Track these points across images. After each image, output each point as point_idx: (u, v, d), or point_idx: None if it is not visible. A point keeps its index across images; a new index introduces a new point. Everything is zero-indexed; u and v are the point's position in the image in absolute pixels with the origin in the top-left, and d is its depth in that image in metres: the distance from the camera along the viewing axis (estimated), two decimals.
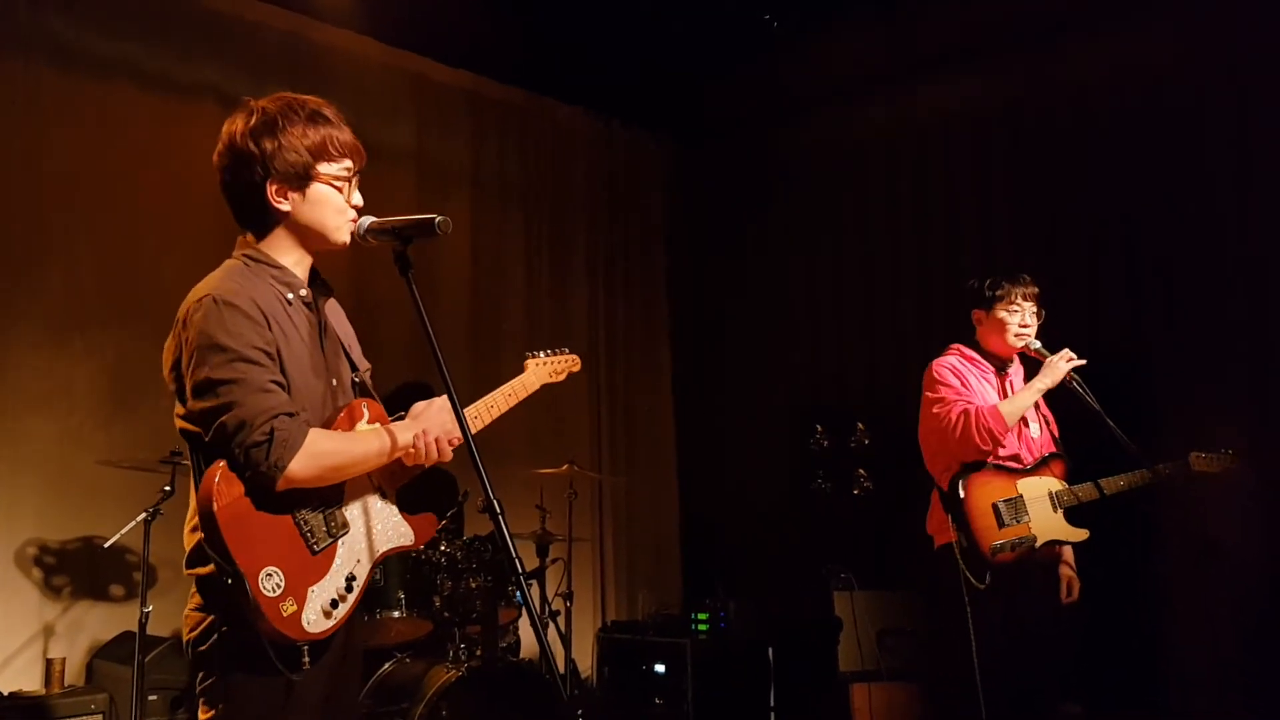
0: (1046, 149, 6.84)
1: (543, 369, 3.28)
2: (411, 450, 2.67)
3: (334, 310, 2.85)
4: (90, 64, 6.07)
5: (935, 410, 4.42)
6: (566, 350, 3.41)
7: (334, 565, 2.54)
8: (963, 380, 4.45)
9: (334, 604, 2.50)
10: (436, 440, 2.68)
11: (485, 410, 2.95)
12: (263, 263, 2.64)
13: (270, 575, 2.39)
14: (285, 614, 2.39)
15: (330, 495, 2.58)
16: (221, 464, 2.41)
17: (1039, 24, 6.87)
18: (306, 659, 2.44)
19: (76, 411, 5.83)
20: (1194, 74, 6.24)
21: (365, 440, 2.59)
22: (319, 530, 2.53)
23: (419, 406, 2.73)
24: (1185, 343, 6.08)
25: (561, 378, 3.37)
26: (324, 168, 2.64)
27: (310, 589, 2.46)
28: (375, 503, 2.70)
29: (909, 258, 7.58)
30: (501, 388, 3.06)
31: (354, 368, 2.83)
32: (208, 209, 5.99)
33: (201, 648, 2.50)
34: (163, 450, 4.94)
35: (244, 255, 2.66)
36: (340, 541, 2.57)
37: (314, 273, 2.77)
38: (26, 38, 5.84)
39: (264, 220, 2.67)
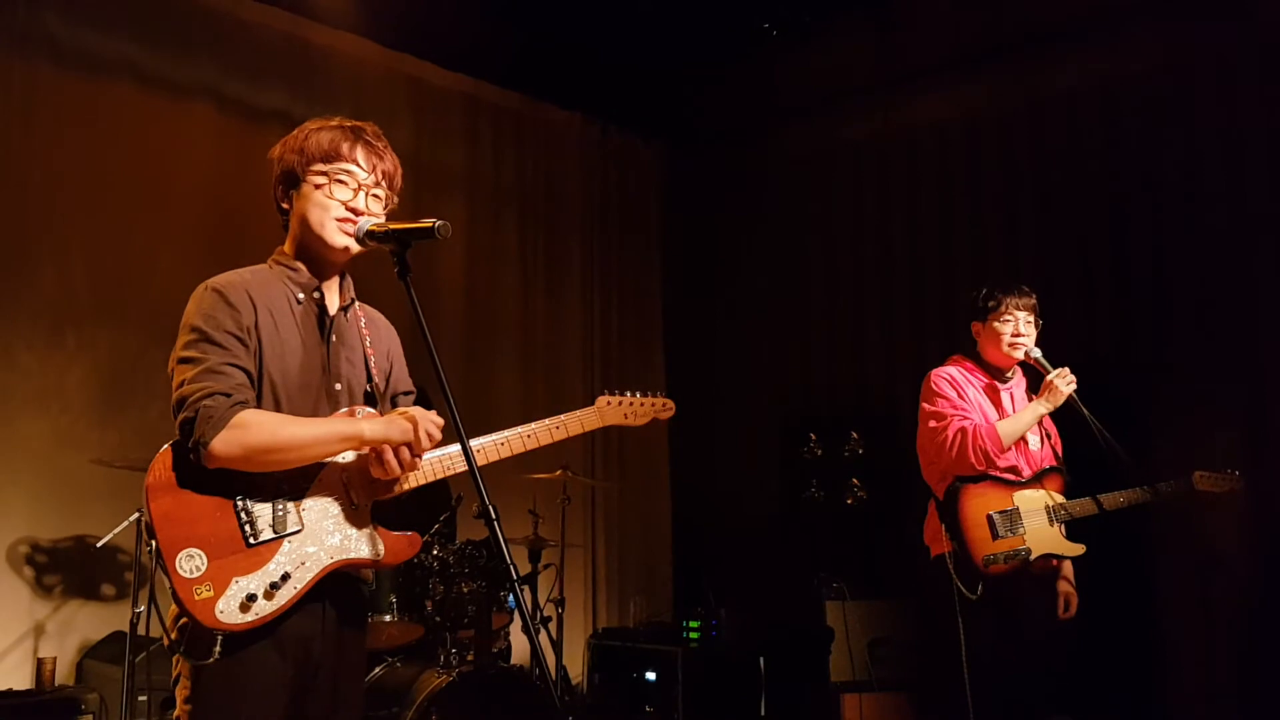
0: (1039, 157, 6.86)
1: (614, 410, 3.20)
2: (368, 448, 2.64)
3: (376, 324, 2.92)
4: (87, 63, 6.06)
5: (932, 425, 4.41)
6: (659, 394, 3.30)
7: (272, 562, 2.51)
8: (960, 392, 4.45)
9: (252, 599, 2.46)
10: (397, 451, 2.63)
11: (520, 440, 2.91)
12: (283, 265, 2.76)
13: (191, 556, 2.41)
14: (199, 597, 2.40)
15: (286, 492, 2.57)
16: (176, 440, 2.50)
17: (1030, 32, 6.89)
18: (218, 649, 2.43)
19: (69, 411, 5.81)
20: (1186, 82, 6.25)
21: (303, 424, 2.58)
22: (262, 523, 2.52)
23: (394, 413, 2.71)
24: (1180, 355, 6.08)
25: (643, 421, 3.26)
26: (314, 167, 2.72)
27: (236, 579, 2.46)
28: (340, 510, 2.65)
29: (902, 266, 7.59)
30: (550, 419, 2.99)
31: (370, 378, 2.82)
32: (201, 209, 6.04)
33: (172, 637, 2.53)
34: (155, 450, 4.91)
35: (273, 258, 2.79)
36: (287, 540, 2.55)
37: (345, 284, 2.84)
38: (23, 36, 5.83)
39: (284, 224, 2.82)
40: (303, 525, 2.58)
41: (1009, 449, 4.33)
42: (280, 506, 2.56)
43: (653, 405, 3.28)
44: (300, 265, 2.75)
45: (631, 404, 3.24)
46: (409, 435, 2.63)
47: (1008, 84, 7.04)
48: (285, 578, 2.51)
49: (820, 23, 7.66)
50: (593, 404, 3.17)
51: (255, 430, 2.48)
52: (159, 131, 6.25)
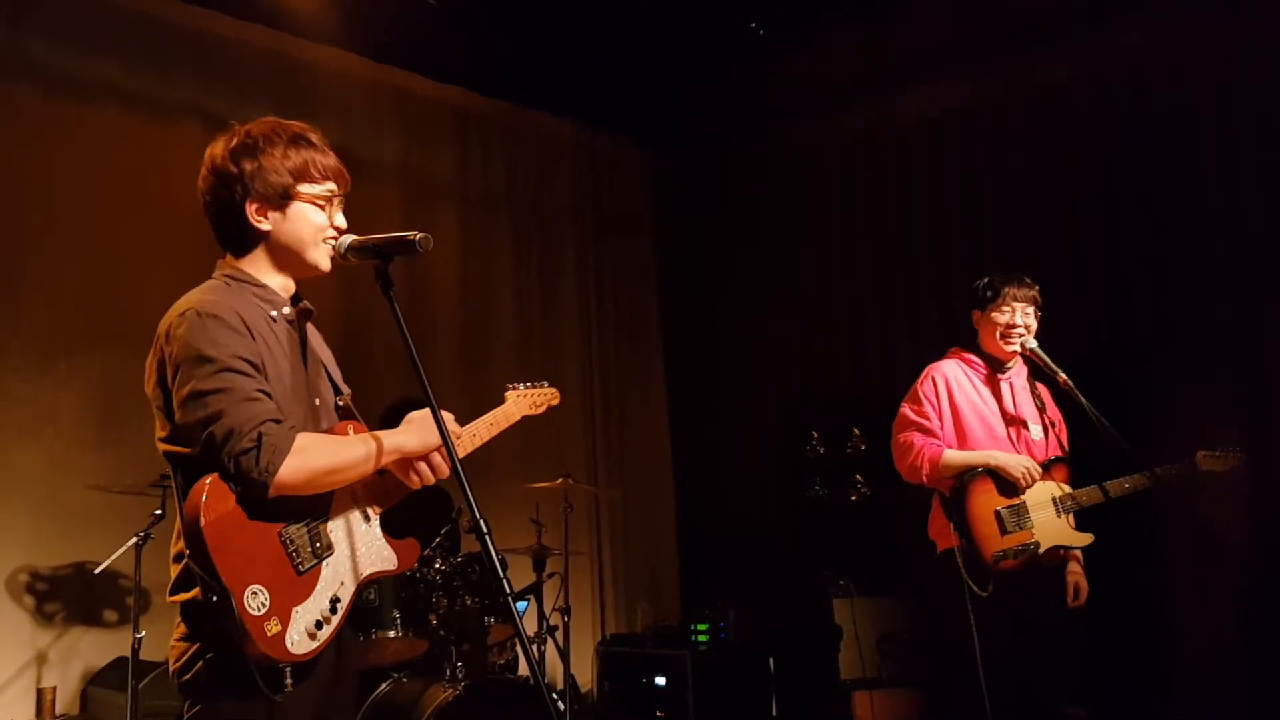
0: (1031, 151, 6.83)
1: (523, 401, 3.28)
2: (409, 459, 2.65)
3: (313, 334, 2.86)
4: (72, 85, 6.04)
5: (894, 427, 4.51)
6: (545, 384, 3.40)
7: (318, 587, 2.50)
8: (950, 394, 4.47)
9: (319, 625, 2.46)
10: (434, 454, 2.67)
11: (469, 438, 2.94)
12: (244, 281, 2.66)
13: (256, 594, 2.35)
14: (270, 634, 2.36)
15: (315, 516, 2.55)
16: (210, 477, 2.37)
17: (1020, 25, 6.86)
18: (289, 680, 2.40)
19: (64, 436, 5.79)
20: (1178, 74, 6.22)
21: (353, 444, 2.57)
22: (304, 551, 2.49)
23: (413, 415, 2.69)
24: (1177, 343, 6.04)
25: (541, 410, 3.35)
26: (305, 188, 2.65)
27: (295, 609, 2.43)
28: (360, 525, 2.67)
29: (898, 261, 7.56)
30: (484, 417, 3.04)
31: (337, 391, 2.82)
32: (190, 230, 5.96)
33: (186, 676, 2.46)
34: (152, 473, 4.90)
35: (225, 275, 2.67)
36: (325, 563, 2.54)
37: (296, 296, 2.77)
38: (7, 60, 5.82)
39: (244, 240, 2.69)
40: (333, 546, 2.57)
41: (944, 478, 4.31)
42: (313, 531, 2.54)
43: (544, 395, 3.38)
44: (267, 284, 2.68)
45: (531, 395, 3.33)
46: (439, 439, 2.61)
47: (1000, 79, 7.00)
48: (336, 600, 2.52)
49: (810, 22, 7.64)
50: (504, 399, 3.26)
51: (315, 455, 2.44)
52: (145, 152, 6.23)
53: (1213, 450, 4.48)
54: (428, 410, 2.63)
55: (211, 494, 2.36)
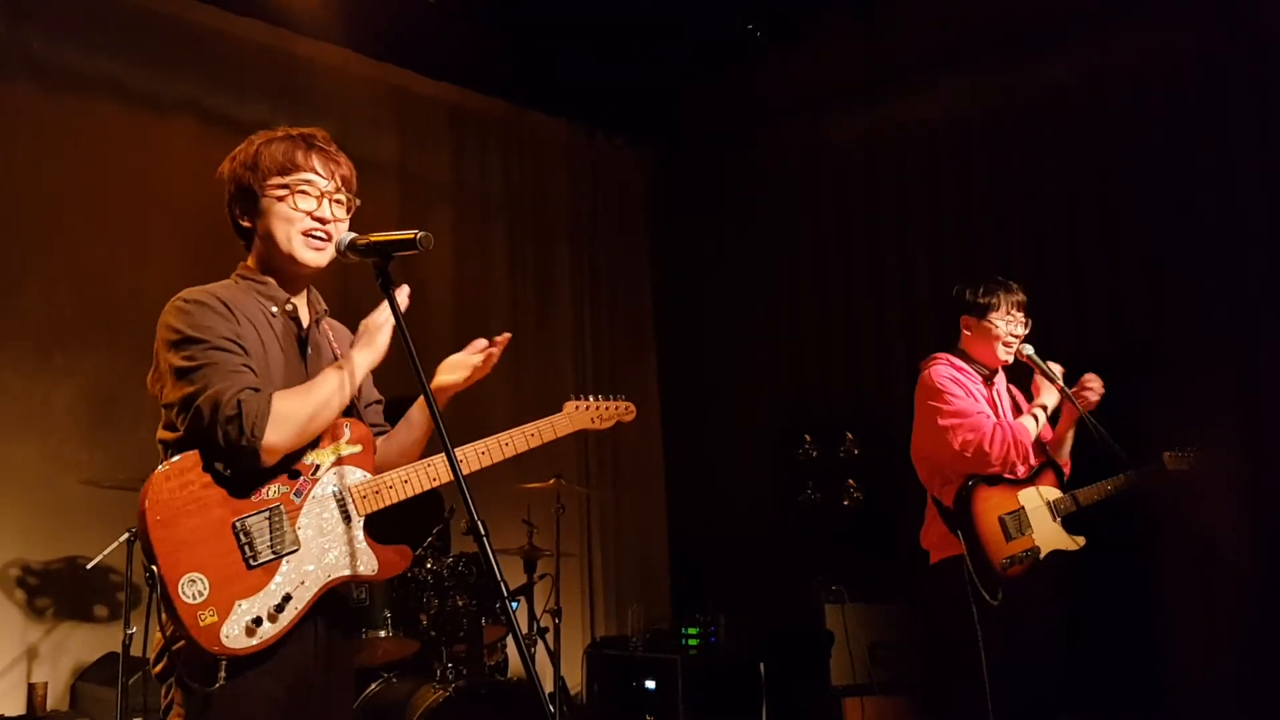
0: (1028, 153, 6.84)
1: (582, 415, 3.19)
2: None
3: (341, 336, 2.91)
4: (69, 81, 6.03)
5: (950, 423, 4.23)
6: (621, 397, 3.31)
7: (272, 583, 2.47)
8: (966, 390, 4.34)
9: (258, 622, 2.42)
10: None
11: (498, 447, 2.90)
12: (250, 279, 2.73)
13: (193, 581, 2.36)
14: (203, 623, 2.34)
15: (282, 509, 2.53)
16: (171, 460, 2.43)
17: (1018, 29, 6.86)
18: (223, 674, 2.38)
19: (58, 431, 5.78)
20: (1175, 76, 6.23)
21: (319, 384, 2.59)
22: (260, 543, 2.47)
23: (362, 327, 2.72)
24: (1173, 348, 6.05)
25: (608, 424, 3.26)
26: (271, 182, 2.69)
27: (239, 602, 2.41)
28: (337, 525, 2.62)
29: (893, 265, 7.56)
30: (524, 426, 2.99)
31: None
32: (186, 225, 6.00)
33: (156, 668, 2.50)
34: (145, 469, 4.84)
35: (237, 274, 2.76)
36: (285, 560, 2.50)
37: (312, 297, 2.84)
38: (4, 55, 5.79)
39: (243, 241, 2.78)
40: (299, 543, 2.53)
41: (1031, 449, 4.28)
42: (277, 525, 2.51)
43: (616, 409, 3.29)
44: (269, 279, 2.73)
45: (597, 408, 3.24)
46: (383, 349, 2.69)
47: (1000, 80, 7.01)
48: (287, 599, 2.47)
49: (808, 23, 7.64)
50: (560, 409, 3.16)
51: (293, 410, 2.48)
52: (142, 147, 6.22)
53: (1175, 450, 4.54)
54: (367, 320, 2.70)
55: (163, 476, 2.41)
